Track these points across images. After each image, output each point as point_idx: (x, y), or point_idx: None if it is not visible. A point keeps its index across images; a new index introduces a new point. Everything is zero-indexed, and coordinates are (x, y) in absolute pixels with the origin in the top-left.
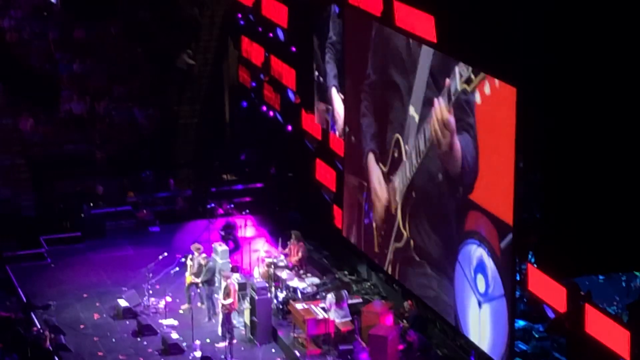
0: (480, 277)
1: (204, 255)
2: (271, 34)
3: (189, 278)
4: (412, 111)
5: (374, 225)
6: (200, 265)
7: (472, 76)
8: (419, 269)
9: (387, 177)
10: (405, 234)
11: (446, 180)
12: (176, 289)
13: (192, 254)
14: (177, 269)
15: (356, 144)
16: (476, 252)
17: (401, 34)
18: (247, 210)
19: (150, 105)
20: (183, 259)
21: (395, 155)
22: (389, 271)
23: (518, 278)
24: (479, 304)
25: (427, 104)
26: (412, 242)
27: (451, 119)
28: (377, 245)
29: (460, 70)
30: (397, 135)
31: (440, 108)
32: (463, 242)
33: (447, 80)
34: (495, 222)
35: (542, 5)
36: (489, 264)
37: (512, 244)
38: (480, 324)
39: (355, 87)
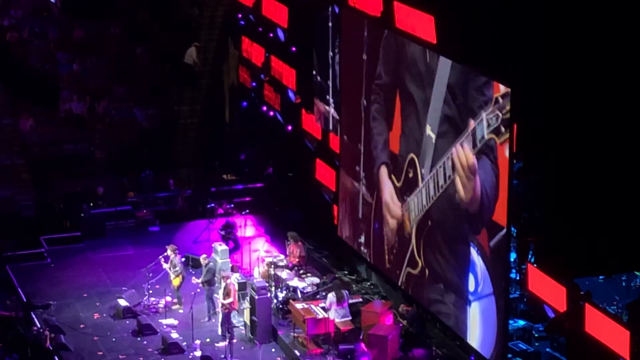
0: (470, 276)
1: (204, 255)
2: (271, 34)
3: (175, 280)
4: (429, 130)
5: (385, 240)
6: (175, 265)
7: (502, 128)
8: (434, 291)
9: (401, 194)
10: (420, 262)
11: (466, 217)
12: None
13: (168, 256)
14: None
15: (353, 146)
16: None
17: (401, 36)
18: (247, 210)
19: (150, 105)
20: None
21: (410, 175)
22: (402, 287)
23: (518, 278)
24: (469, 303)
25: (445, 121)
26: (427, 270)
27: (475, 163)
28: (388, 261)
29: (488, 118)
30: (413, 155)
31: (465, 153)
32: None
33: (472, 122)
34: (485, 222)
35: (541, 6)
36: (479, 262)
37: (506, 244)
38: (470, 321)
39: (352, 88)
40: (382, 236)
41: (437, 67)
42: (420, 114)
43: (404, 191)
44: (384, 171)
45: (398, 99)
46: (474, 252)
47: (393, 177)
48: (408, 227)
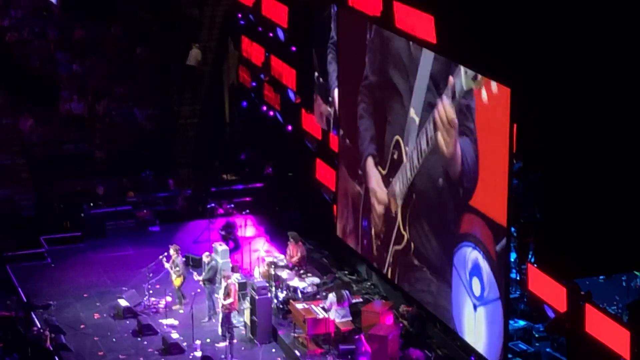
0: (475, 280)
1: (206, 253)
2: (271, 34)
3: (176, 280)
4: (413, 113)
5: (372, 228)
6: (177, 265)
7: (478, 75)
8: (418, 273)
9: (387, 179)
10: (405, 235)
11: (447, 182)
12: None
13: (169, 256)
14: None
15: (353, 147)
16: (471, 255)
17: (401, 36)
18: (247, 210)
19: (150, 105)
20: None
21: (395, 156)
22: (389, 275)
23: (518, 278)
24: (474, 307)
25: (428, 108)
26: (412, 244)
27: (455, 118)
28: (376, 248)
29: (466, 69)
30: (397, 137)
31: (444, 107)
32: (458, 244)
33: (451, 79)
34: (491, 225)
35: (541, 6)
36: (485, 267)
37: (506, 246)
38: (476, 326)
39: (351, 88)
40: (371, 226)
41: (420, 58)
42: (405, 101)
43: (390, 174)
44: (370, 161)
45: (384, 95)
46: (479, 256)
47: (379, 167)
48: (394, 206)
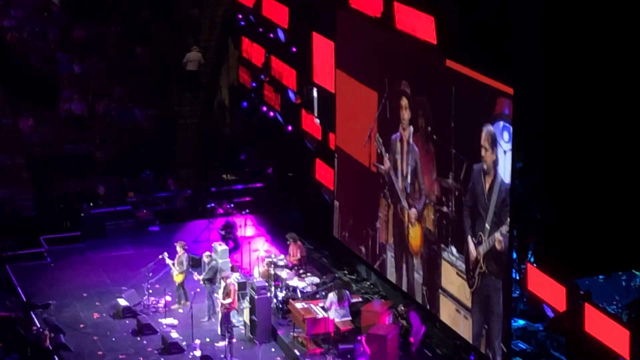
0: None
1: (207, 253)
2: (272, 35)
3: (178, 277)
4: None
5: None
6: (182, 262)
7: None
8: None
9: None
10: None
11: None
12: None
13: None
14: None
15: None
16: None
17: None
18: (247, 210)
19: (150, 105)
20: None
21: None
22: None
23: (518, 277)
24: None
25: None
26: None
27: None
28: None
29: None
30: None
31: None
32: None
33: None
34: None
35: (541, 6)
36: None
37: (507, 242)
38: None
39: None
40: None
41: None
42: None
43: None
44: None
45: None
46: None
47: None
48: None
